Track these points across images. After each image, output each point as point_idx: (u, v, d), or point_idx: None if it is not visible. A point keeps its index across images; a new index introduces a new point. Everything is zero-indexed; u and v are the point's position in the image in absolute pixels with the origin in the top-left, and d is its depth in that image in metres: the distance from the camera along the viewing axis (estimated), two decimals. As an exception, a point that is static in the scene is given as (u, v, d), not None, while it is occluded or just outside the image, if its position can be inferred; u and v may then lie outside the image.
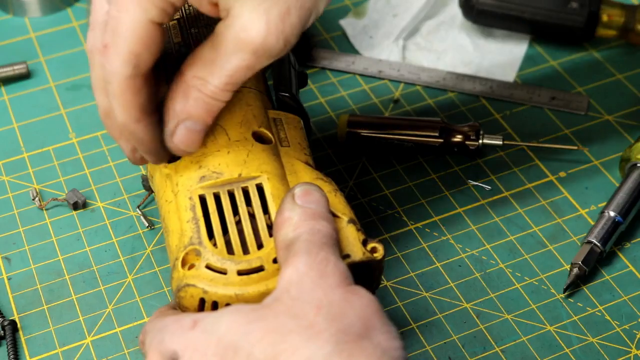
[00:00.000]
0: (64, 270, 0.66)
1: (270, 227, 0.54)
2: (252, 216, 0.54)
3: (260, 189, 0.55)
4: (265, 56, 0.51)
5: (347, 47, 0.84)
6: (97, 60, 0.53)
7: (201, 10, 0.51)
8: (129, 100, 0.52)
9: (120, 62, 0.50)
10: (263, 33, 0.50)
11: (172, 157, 0.57)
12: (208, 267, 0.52)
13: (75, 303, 0.64)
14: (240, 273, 0.52)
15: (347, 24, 0.85)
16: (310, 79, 0.80)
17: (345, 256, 0.53)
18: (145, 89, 0.52)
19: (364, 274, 0.54)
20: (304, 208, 0.51)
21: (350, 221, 0.54)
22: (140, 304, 0.64)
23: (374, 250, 0.54)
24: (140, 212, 0.69)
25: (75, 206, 0.70)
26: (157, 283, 0.65)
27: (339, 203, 0.55)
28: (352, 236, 0.54)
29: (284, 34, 0.50)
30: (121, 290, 0.65)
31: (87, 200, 0.71)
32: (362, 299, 0.47)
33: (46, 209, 0.70)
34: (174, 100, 0.53)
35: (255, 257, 0.52)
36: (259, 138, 0.58)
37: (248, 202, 0.55)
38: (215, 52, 0.51)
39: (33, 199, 0.71)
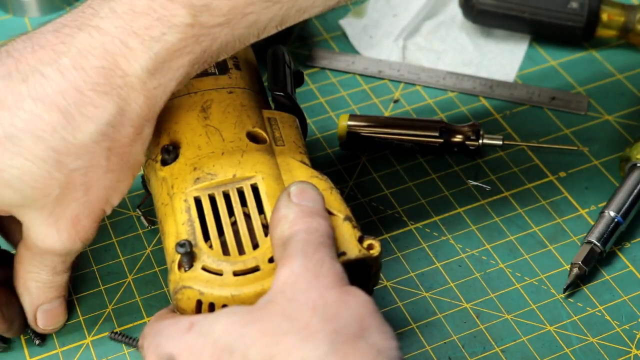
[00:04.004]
0: (64, 271, 0.66)
1: (265, 226, 0.54)
2: (247, 216, 0.54)
3: (255, 189, 0.55)
4: (69, 254, 0.55)
5: (347, 47, 0.84)
6: None
7: None
8: None
9: None
10: (58, 242, 0.54)
11: (165, 162, 0.57)
12: (204, 268, 0.52)
13: (75, 303, 0.64)
14: (236, 274, 0.52)
15: (347, 23, 0.85)
16: (310, 79, 0.80)
17: (341, 254, 0.53)
18: None
19: (361, 272, 0.54)
20: (300, 206, 0.51)
21: (346, 218, 0.54)
22: (140, 304, 0.64)
23: (370, 247, 0.54)
24: (140, 212, 0.69)
25: (75, 206, 0.70)
26: (157, 283, 0.65)
27: (334, 201, 0.55)
28: (348, 233, 0.54)
29: (79, 236, 0.54)
30: (121, 290, 0.65)
31: (87, 201, 0.71)
32: (357, 299, 0.47)
33: (46, 209, 0.70)
34: (22, 295, 0.58)
35: (250, 257, 0.52)
36: (253, 138, 0.58)
37: (243, 202, 0.55)
38: (29, 252, 0.56)
39: (33, 199, 0.71)
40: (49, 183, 0.51)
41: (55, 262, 0.56)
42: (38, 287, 0.58)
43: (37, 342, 0.61)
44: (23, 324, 0.60)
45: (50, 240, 0.53)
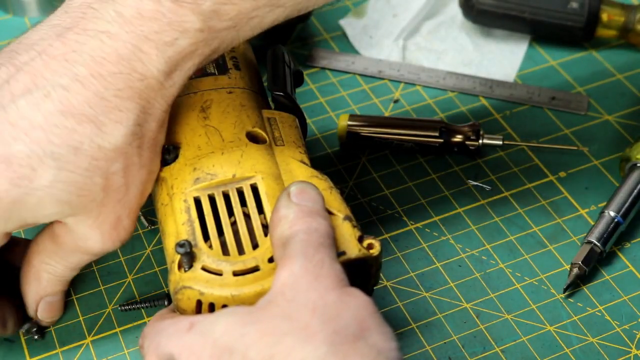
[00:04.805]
0: (64, 271, 0.66)
1: (265, 226, 0.54)
2: (247, 216, 0.54)
3: (254, 189, 0.55)
4: (103, 254, 0.57)
5: (347, 47, 0.84)
6: None
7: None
8: None
9: None
10: (99, 244, 0.55)
11: (165, 162, 0.57)
12: (204, 268, 0.52)
13: (75, 303, 0.64)
14: (235, 274, 0.52)
15: (347, 24, 0.85)
16: (310, 79, 0.80)
17: (341, 253, 0.53)
18: None
19: (361, 271, 0.54)
20: (300, 206, 0.51)
21: (346, 218, 0.54)
22: (140, 304, 0.64)
23: (370, 246, 0.54)
24: (140, 212, 0.69)
25: (76, 206, 0.70)
26: (157, 283, 0.65)
27: (334, 200, 0.55)
28: (348, 233, 0.54)
29: (119, 237, 0.55)
30: (121, 290, 0.65)
31: (87, 201, 0.71)
32: (357, 300, 0.47)
33: (46, 209, 0.70)
34: (29, 284, 0.59)
35: (250, 257, 0.52)
36: (252, 138, 0.58)
37: (243, 202, 0.55)
38: (57, 247, 0.57)
39: (33, 199, 0.71)
40: (93, 189, 0.53)
41: (82, 261, 0.57)
42: (49, 279, 0.58)
43: (37, 337, 0.61)
44: (17, 322, 0.61)
45: (92, 242, 0.55)
